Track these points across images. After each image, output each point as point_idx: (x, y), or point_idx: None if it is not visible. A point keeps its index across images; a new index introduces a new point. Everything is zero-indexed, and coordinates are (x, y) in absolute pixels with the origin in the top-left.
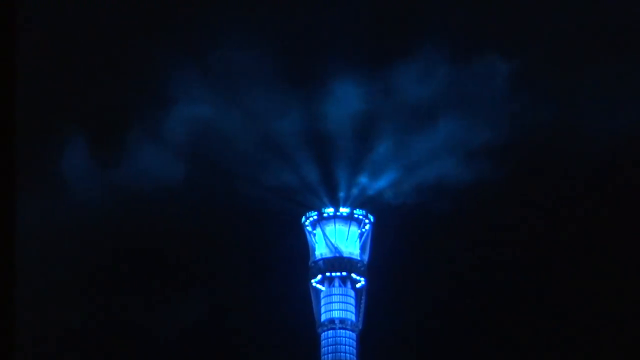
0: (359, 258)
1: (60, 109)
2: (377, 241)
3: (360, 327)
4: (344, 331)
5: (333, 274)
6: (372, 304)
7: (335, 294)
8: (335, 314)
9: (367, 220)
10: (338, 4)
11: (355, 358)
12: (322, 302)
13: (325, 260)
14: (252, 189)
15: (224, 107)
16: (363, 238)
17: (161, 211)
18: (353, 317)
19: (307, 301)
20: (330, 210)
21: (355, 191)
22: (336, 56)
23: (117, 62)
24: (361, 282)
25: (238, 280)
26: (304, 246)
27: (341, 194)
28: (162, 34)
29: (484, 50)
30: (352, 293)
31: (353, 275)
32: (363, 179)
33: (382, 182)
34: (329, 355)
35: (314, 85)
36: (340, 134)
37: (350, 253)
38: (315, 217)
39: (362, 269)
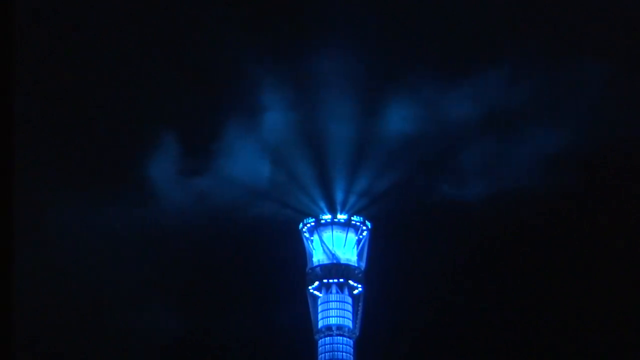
0: (356, 265)
1: (150, 116)
2: (375, 248)
3: (357, 333)
4: (341, 338)
5: (330, 280)
6: (369, 311)
7: (332, 301)
8: (333, 321)
9: (364, 227)
10: (423, 9)
11: None
12: (320, 308)
13: (322, 266)
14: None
15: (310, 113)
16: (360, 244)
17: (246, 219)
18: (350, 324)
19: (304, 308)
20: (327, 217)
21: (435, 197)
22: (420, 62)
23: (208, 69)
24: (358, 289)
25: (235, 286)
26: (301, 253)
27: (338, 200)
28: (252, 41)
29: (575, 54)
30: (350, 300)
31: (350, 281)
32: (444, 186)
33: (470, 191)
34: None
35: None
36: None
37: (347, 260)
38: (313, 224)
39: (360, 275)
